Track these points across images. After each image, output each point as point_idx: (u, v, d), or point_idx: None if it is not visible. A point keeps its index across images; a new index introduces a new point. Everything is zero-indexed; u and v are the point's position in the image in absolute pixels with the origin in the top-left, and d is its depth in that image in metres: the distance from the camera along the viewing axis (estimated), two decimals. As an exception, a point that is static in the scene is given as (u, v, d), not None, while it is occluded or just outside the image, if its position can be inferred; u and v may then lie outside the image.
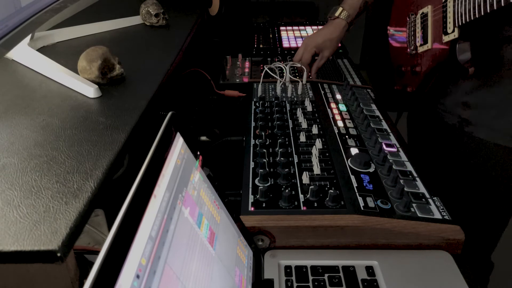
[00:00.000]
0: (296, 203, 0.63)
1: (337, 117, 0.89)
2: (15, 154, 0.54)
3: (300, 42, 1.38)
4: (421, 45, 0.92)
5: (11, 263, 0.40)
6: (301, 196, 0.64)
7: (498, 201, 0.94)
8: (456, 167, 0.96)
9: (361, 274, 0.56)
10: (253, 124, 0.85)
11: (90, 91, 0.70)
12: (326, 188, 0.65)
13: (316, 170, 0.70)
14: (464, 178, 0.95)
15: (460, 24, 0.78)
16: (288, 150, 0.76)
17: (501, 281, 1.51)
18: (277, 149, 0.76)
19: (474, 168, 0.93)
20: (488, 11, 0.70)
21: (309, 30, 1.50)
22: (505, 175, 0.92)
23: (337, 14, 1.07)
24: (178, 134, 0.46)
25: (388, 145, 0.78)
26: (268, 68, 1.09)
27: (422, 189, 0.67)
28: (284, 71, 1.05)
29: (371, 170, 0.70)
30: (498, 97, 0.86)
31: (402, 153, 0.76)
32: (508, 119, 0.86)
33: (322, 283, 0.55)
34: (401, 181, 0.68)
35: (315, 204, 0.62)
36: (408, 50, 0.98)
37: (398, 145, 0.79)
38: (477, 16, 0.73)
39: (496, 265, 1.07)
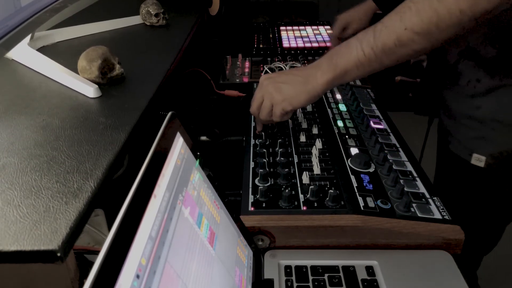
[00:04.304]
0: (296, 203, 0.63)
1: (337, 117, 0.89)
2: (15, 154, 0.54)
3: (300, 42, 1.38)
4: None
5: (11, 263, 0.40)
6: (301, 196, 0.64)
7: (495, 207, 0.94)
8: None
9: (361, 274, 0.56)
10: (253, 124, 0.85)
11: (90, 91, 0.70)
12: (326, 188, 0.65)
13: (316, 170, 0.70)
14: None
15: None
16: (288, 150, 0.76)
17: (500, 281, 1.52)
18: (277, 149, 0.76)
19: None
20: None
21: (309, 30, 1.50)
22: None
23: None
24: (178, 134, 0.46)
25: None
26: (268, 68, 1.10)
27: (422, 189, 0.67)
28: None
29: (371, 170, 0.70)
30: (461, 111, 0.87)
31: (402, 153, 0.76)
32: (467, 134, 0.86)
33: (322, 283, 0.55)
34: (401, 181, 0.68)
35: (315, 204, 0.62)
36: None
37: (398, 145, 0.79)
38: None
39: (494, 265, 1.07)
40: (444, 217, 0.61)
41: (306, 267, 0.57)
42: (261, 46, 1.36)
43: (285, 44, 1.37)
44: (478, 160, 0.85)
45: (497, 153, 0.83)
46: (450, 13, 0.56)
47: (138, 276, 0.30)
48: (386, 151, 0.76)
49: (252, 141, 0.80)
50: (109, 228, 0.52)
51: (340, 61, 0.67)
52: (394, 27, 0.61)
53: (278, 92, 0.72)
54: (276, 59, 1.21)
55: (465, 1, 0.54)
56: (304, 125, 0.85)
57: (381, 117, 0.90)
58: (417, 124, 1.13)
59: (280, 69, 1.08)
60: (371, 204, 0.62)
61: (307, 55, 1.25)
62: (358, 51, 0.65)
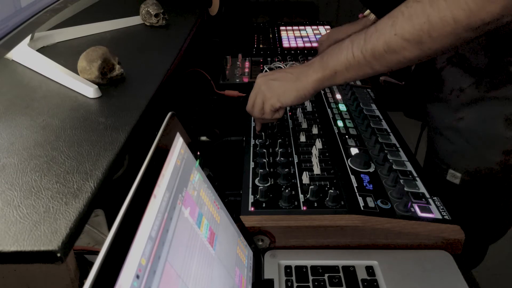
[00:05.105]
0: (296, 203, 0.63)
1: (337, 117, 0.89)
2: (15, 154, 0.54)
3: (300, 42, 1.38)
4: None
5: (11, 263, 0.40)
6: (301, 196, 0.64)
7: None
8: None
9: (361, 274, 0.56)
10: (253, 124, 0.85)
11: (90, 91, 0.70)
12: (326, 188, 0.65)
13: (316, 170, 0.70)
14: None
15: None
16: (288, 150, 0.76)
17: (500, 281, 1.52)
18: (277, 149, 0.76)
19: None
20: None
21: (309, 30, 1.50)
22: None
23: (366, 13, 1.05)
24: (178, 134, 0.46)
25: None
26: (268, 68, 1.10)
27: (422, 189, 0.67)
28: None
29: (371, 170, 0.70)
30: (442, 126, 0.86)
31: (402, 153, 0.76)
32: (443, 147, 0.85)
33: (322, 283, 0.55)
34: (401, 181, 0.67)
35: (315, 204, 0.62)
36: None
37: (398, 145, 0.79)
38: None
39: (494, 264, 1.07)
40: (444, 217, 0.61)
41: (306, 267, 0.57)
42: (261, 46, 1.36)
43: (285, 44, 1.37)
44: (454, 176, 0.83)
45: (473, 170, 0.81)
46: (443, 21, 0.51)
47: (138, 276, 0.30)
48: (386, 151, 0.76)
49: (252, 141, 0.80)
50: (109, 228, 0.52)
51: (330, 61, 0.65)
52: (384, 32, 0.58)
53: (269, 89, 0.72)
54: (276, 59, 1.21)
55: (460, 10, 0.49)
56: (304, 125, 0.85)
57: (381, 117, 0.90)
58: (417, 124, 1.13)
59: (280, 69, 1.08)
60: (371, 204, 0.62)
61: (307, 55, 1.25)
62: (348, 53, 0.62)
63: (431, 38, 0.54)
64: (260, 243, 0.61)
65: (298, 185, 0.67)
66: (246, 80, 1.11)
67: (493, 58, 0.73)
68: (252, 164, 0.73)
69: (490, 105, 0.75)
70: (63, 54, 0.87)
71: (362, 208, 0.61)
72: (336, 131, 0.82)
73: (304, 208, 0.62)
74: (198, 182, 0.47)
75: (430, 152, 0.92)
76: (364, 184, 0.66)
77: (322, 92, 1.01)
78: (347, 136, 0.81)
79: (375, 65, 0.61)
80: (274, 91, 0.72)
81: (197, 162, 0.49)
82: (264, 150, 0.76)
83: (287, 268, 0.57)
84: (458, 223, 0.60)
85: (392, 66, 0.61)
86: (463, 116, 0.79)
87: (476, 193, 0.84)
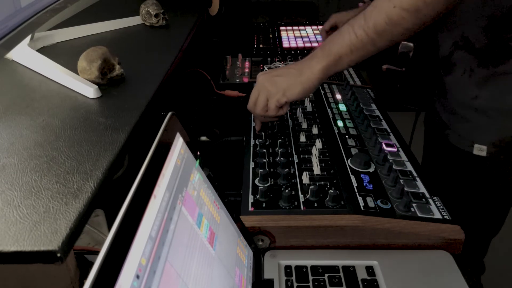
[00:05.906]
0: (296, 203, 0.63)
1: (337, 117, 0.89)
2: (15, 154, 0.54)
3: (300, 42, 1.38)
4: None
5: (11, 263, 0.40)
6: (301, 196, 0.64)
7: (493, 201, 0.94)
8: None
9: (361, 274, 0.56)
10: (253, 124, 0.85)
11: (90, 91, 0.70)
12: (326, 188, 0.65)
13: (316, 170, 0.70)
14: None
15: None
16: (288, 150, 0.76)
17: (498, 281, 1.52)
18: (277, 149, 0.76)
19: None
20: None
21: (309, 30, 1.50)
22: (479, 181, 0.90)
23: (366, 0, 1.11)
24: (178, 134, 0.46)
25: (388, 145, 0.77)
26: (268, 68, 1.10)
27: (422, 189, 0.67)
28: None
29: (371, 170, 0.70)
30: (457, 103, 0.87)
31: (402, 153, 0.76)
32: (468, 125, 0.86)
33: (322, 283, 0.55)
34: (401, 181, 0.68)
35: (315, 204, 0.62)
36: None
37: (398, 145, 0.79)
38: None
39: (492, 265, 1.07)
40: (444, 217, 0.61)
41: (306, 267, 0.57)
42: (261, 46, 1.36)
43: (285, 44, 1.37)
44: (480, 150, 0.85)
45: (498, 141, 0.83)
46: None
47: (138, 276, 0.30)
48: (386, 151, 0.76)
49: (252, 141, 0.80)
50: (109, 228, 0.52)
51: (333, 47, 0.68)
52: (383, 7, 0.63)
53: (273, 85, 0.73)
54: (276, 59, 1.21)
55: None
56: (304, 125, 0.85)
57: (381, 117, 0.90)
58: (417, 123, 1.13)
59: (280, 69, 1.08)
60: (371, 204, 0.62)
61: (307, 55, 1.25)
62: (351, 35, 0.66)
63: (426, 4, 0.60)
64: (260, 243, 0.61)
65: (298, 185, 0.67)
66: (246, 80, 1.11)
67: (493, 37, 0.76)
68: (252, 164, 0.73)
69: (501, 81, 0.78)
70: (63, 54, 0.87)
71: (362, 208, 0.61)
72: (336, 131, 0.82)
73: (304, 208, 0.62)
74: (198, 182, 0.47)
75: (443, 136, 0.93)
76: (364, 184, 0.66)
77: (322, 92, 1.01)
78: (347, 136, 0.81)
79: (378, 41, 0.65)
80: (279, 86, 0.73)
81: (197, 162, 0.49)
82: (264, 150, 0.76)
83: (287, 268, 0.57)
84: (458, 223, 0.60)
85: (393, 39, 0.65)
86: (478, 95, 0.81)
87: (503, 162, 0.86)
